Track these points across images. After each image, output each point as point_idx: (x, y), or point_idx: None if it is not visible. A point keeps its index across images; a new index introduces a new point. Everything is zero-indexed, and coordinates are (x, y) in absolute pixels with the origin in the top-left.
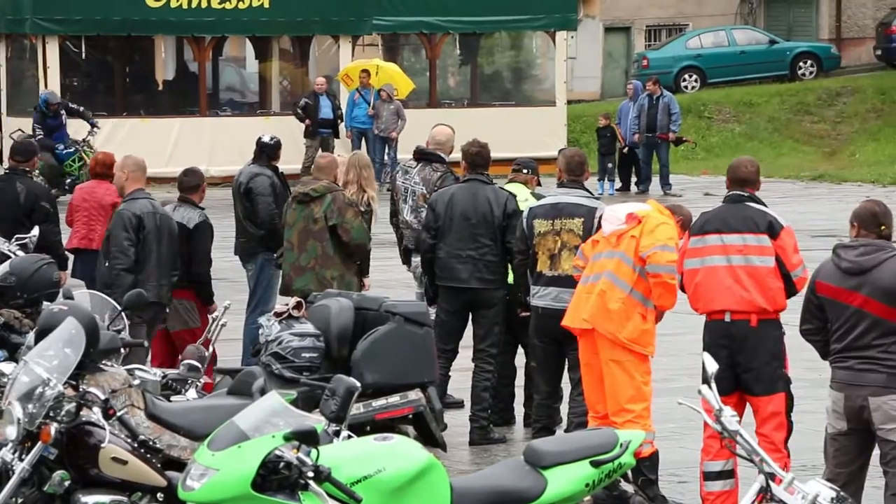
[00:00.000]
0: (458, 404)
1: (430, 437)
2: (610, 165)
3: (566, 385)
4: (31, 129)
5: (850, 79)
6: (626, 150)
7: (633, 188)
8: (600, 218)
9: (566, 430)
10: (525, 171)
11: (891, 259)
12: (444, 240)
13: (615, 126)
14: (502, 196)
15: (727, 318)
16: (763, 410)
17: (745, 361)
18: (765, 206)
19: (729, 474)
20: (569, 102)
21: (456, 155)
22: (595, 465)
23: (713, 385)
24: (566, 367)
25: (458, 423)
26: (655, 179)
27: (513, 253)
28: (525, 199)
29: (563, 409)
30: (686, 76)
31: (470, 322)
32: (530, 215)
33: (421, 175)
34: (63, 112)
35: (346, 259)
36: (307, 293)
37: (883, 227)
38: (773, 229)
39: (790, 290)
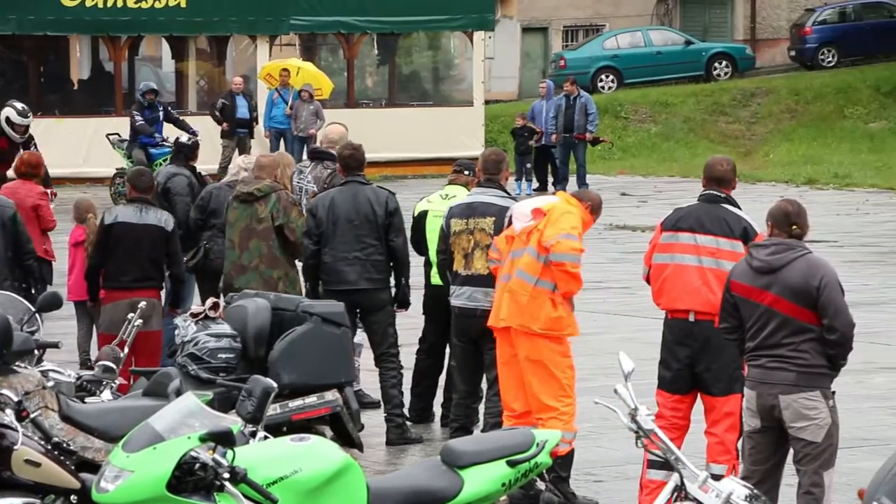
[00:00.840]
0: (375, 404)
1: (346, 438)
2: (528, 165)
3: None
4: (129, 121)
5: (765, 79)
6: (537, 143)
7: (551, 188)
8: (510, 216)
9: (483, 430)
10: (466, 172)
11: (799, 259)
12: (329, 244)
13: (531, 124)
14: (382, 195)
15: (691, 317)
16: (717, 411)
17: (706, 361)
18: (739, 208)
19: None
20: (487, 102)
21: (371, 156)
22: (511, 464)
23: (629, 384)
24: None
25: (374, 424)
26: (573, 179)
27: (397, 250)
28: None
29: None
30: (603, 76)
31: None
32: (448, 215)
33: (313, 174)
34: (161, 109)
35: (290, 258)
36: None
37: (794, 227)
38: (747, 235)
39: None
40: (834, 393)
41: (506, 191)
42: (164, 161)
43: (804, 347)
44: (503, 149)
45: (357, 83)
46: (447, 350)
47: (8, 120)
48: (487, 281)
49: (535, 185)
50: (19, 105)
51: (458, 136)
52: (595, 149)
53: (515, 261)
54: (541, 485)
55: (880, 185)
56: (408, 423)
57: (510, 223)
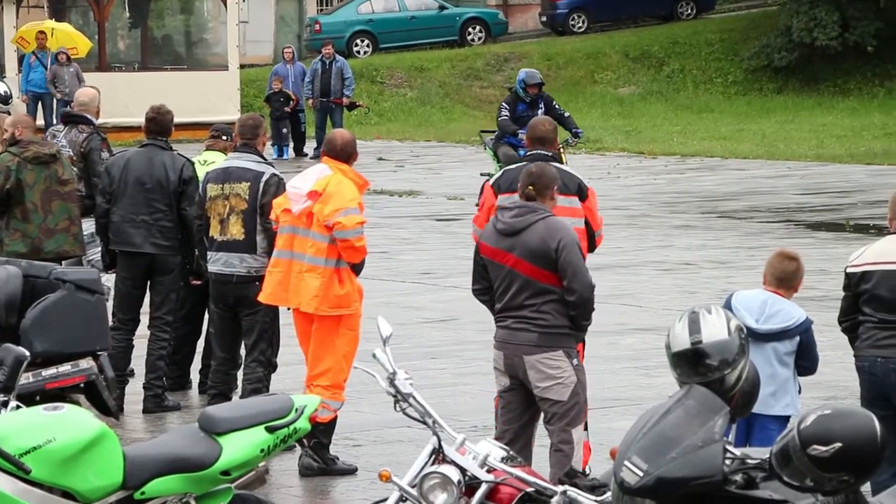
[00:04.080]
0: (130, 374)
1: (102, 406)
2: (284, 130)
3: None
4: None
5: (517, 45)
6: (291, 109)
7: (310, 152)
8: (276, 183)
9: (241, 397)
10: (223, 137)
11: (540, 221)
12: (118, 203)
13: (287, 91)
14: (179, 162)
15: None
16: None
17: None
18: (565, 165)
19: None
20: (242, 67)
21: (125, 121)
22: (270, 430)
23: (387, 349)
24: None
25: (132, 392)
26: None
27: (189, 219)
28: None
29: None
30: (358, 41)
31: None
32: (205, 180)
33: (67, 138)
34: (541, 101)
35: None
36: (63, 255)
37: (530, 188)
38: (581, 191)
39: (591, 248)
40: (577, 352)
41: (262, 156)
42: None
43: (546, 308)
44: (260, 114)
45: (109, 46)
46: (206, 316)
47: None
48: (243, 246)
49: (292, 152)
50: None
51: (213, 101)
52: (352, 113)
53: (298, 241)
54: (299, 450)
55: (630, 149)
56: (166, 392)
57: (274, 193)
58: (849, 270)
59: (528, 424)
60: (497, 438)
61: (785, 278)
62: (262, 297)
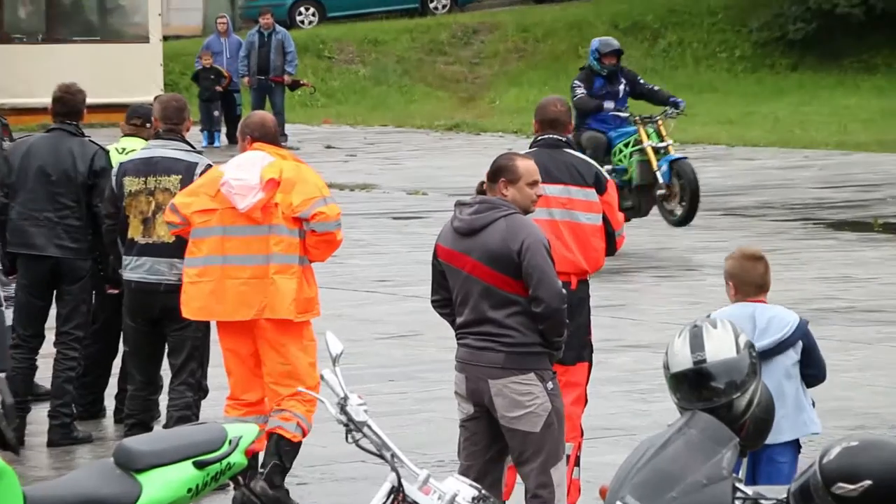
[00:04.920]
0: (32, 400)
1: None
2: (216, 113)
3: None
4: None
5: (488, 13)
6: (224, 88)
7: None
8: (224, 185)
9: (165, 426)
10: (148, 124)
11: (502, 219)
12: (18, 198)
13: (219, 67)
14: (90, 150)
15: None
16: (564, 380)
17: None
18: (579, 152)
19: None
20: (165, 39)
21: (26, 101)
22: (199, 465)
23: (338, 369)
24: (166, 351)
25: (34, 420)
26: None
27: (100, 217)
28: None
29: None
30: (302, 9)
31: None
32: (120, 172)
33: None
34: (621, 75)
35: None
36: None
37: (501, 181)
38: (600, 183)
39: (611, 250)
40: (554, 374)
41: (189, 143)
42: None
43: (510, 322)
44: (186, 94)
45: (7, 14)
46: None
47: None
48: (172, 250)
49: (225, 139)
50: None
51: (131, 78)
52: (295, 94)
53: (245, 241)
54: (234, 490)
55: None
56: (75, 421)
57: (208, 189)
58: None
59: (497, 460)
60: (461, 475)
61: (764, 283)
62: (190, 313)
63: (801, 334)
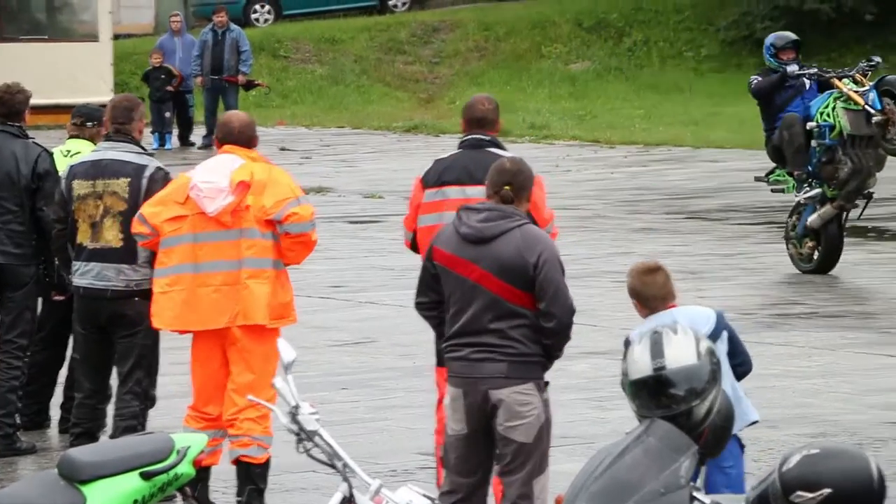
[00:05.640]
0: None
1: None
2: (167, 114)
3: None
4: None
5: (449, 11)
6: (175, 88)
7: (198, 140)
8: (162, 178)
9: (112, 436)
10: (90, 123)
11: (515, 230)
12: None
13: (170, 66)
14: (33, 152)
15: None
16: None
17: None
18: (507, 151)
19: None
20: (116, 37)
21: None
22: (146, 476)
23: (290, 377)
24: (115, 359)
25: None
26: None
27: (44, 221)
28: None
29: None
30: (257, 7)
31: None
32: (70, 175)
33: None
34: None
35: None
36: None
37: (507, 188)
38: None
39: None
40: (547, 384)
41: (140, 145)
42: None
43: (515, 335)
44: (139, 95)
45: None
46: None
47: None
48: (120, 255)
49: (177, 141)
50: None
51: (80, 78)
52: (249, 94)
53: (216, 246)
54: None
55: (583, 137)
56: (18, 431)
57: (153, 189)
58: None
59: (485, 480)
60: (446, 493)
61: (667, 293)
62: (163, 323)
63: (724, 324)
